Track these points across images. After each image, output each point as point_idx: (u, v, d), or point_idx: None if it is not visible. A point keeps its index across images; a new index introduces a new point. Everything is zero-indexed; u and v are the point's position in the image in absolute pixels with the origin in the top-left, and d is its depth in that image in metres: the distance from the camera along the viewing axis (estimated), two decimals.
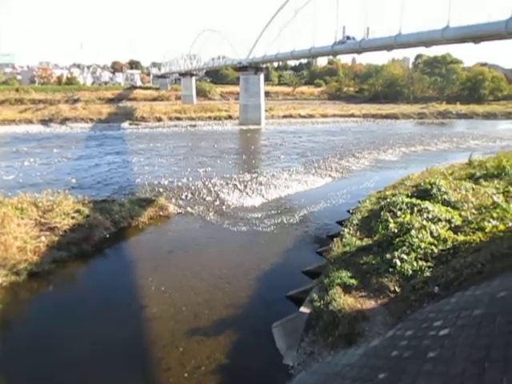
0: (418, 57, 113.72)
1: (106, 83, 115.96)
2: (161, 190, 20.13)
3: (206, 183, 21.43)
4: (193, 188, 20.56)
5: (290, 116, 66.57)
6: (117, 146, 37.45)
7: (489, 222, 9.87)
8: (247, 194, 20.22)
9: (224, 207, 18.27)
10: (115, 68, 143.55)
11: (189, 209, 17.87)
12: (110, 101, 77.19)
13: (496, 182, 14.94)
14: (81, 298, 10.38)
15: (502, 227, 8.98)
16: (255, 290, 10.84)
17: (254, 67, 54.92)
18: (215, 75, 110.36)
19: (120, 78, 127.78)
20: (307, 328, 8.07)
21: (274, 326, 8.80)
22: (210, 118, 61.26)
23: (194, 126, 55.07)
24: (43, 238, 12.73)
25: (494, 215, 10.37)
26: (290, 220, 16.54)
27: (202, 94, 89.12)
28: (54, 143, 38.33)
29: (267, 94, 76.99)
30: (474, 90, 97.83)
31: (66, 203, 14.68)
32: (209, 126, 54.89)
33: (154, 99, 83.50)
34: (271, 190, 21.10)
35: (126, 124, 55.22)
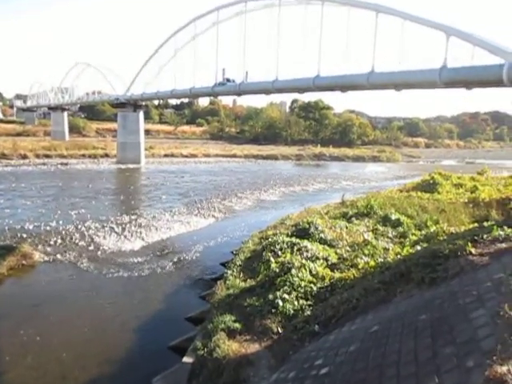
0: (294, 101, 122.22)
1: None
2: (24, 235, 17.90)
3: (79, 227, 19.73)
4: (63, 232, 18.73)
5: (172, 155, 65.84)
6: None
7: (361, 258, 10.64)
8: (125, 237, 19.07)
9: (99, 253, 16.91)
10: None
11: (58, 256, 16.12)
12: None
13: (366, 220, 16.12)
14: None
15: (372, 263, 9.71)
16: (134, 343, 10.00)
17: (132, 104, 53.49)
18: (91, 111, 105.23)
19: None
20: (191, 379, 7.56)
21: (154, 380, 8.09)
22: (84, 155, 57.33)
23: (66, 164, 50.91)
24: None
25: (366, 252, 11.25)
26: (173, 263, 15.90)
27: (75, 130, 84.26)
28: None
29: (148, 132, 75.78)
30: (344, 135, 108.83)
31: None
32: (83, 165, 51.32)
33: (19, 134, 76.51)
34: (152, 232, 20.21)
35: None
